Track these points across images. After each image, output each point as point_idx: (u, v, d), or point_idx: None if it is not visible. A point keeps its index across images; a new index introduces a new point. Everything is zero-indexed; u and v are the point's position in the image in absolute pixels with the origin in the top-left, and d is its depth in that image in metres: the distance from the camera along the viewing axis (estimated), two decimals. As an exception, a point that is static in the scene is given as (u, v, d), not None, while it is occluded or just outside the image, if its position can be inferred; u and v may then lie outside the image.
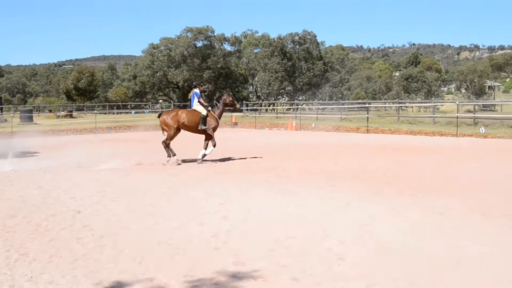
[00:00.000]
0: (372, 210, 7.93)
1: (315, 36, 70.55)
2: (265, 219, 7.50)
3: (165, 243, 6.39)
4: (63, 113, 54.84)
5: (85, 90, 76.56)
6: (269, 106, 64.13)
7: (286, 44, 69.81)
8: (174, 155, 14.74)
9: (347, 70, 75.51)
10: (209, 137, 15.18)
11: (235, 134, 29.07)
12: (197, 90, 15.68)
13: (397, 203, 8.43)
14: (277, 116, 44.65)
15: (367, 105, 34.40)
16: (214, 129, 15.39)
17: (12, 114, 42.87)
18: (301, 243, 6.24)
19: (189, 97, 16.06)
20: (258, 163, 14.21)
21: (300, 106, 46.42)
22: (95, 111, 49.60)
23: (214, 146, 15.02)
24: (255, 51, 74.66)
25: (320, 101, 59.34)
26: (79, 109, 65.94)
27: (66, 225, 7.41)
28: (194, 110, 15.38)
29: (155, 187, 10.62)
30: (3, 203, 9.22)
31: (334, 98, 68.06)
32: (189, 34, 73.93)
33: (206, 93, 75.78)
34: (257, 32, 78.63)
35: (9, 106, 70.91)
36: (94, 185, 11.05)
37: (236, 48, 79.28)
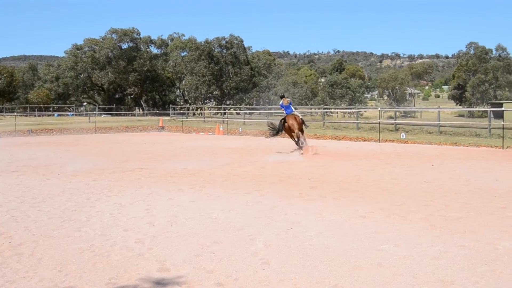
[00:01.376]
0: (297, 214, 8.05)
1: (242, 41, 70.99)
2: (191, 224, 7.46)
3: (87, 250, 6.23)
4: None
5: (4, 91, 73.45)
6: (196, 110, 63.93)
7: (213, 48, 69.80)
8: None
9: (274, 75, 76.33)
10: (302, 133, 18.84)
11: (162, 138, 28.77)
12: (286, 101, 19.04)
13: (322, 207, 8.60)
14: (204, 120, 44.59)
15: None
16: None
17: None
18: (227, 248, 6.25)
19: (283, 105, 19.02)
20: (184, 167, 14.11)
21: (227, 111, 46.50)
22: (15, 113, 47.67)
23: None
24: (182, 54, 74.19)
25: (248, 106, 59.70)
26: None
27: (-19, 233, 7.08)
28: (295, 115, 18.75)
29: (78, 192, 10.33)
30: None
31: (262, 103, 68.67)
32: (114, 35, 72.51)
33: (132, 96, 74.69)
34: (184, 35, 78.14)
35: None
36: (12, 190, 10.64)
37: (162, 51, 78.43)
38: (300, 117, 18.96)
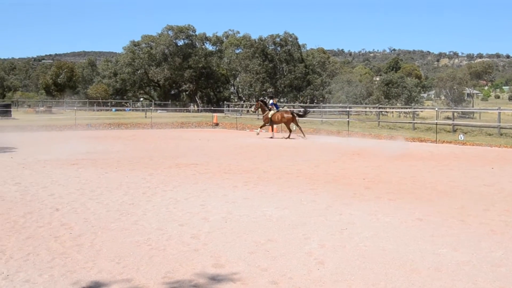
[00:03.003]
0: (352, 215, 7.96)
1: (297, 39, 70.93)
2: (245, 221, 7.49)
3: (144, 243, 6.35)
4: (42, 108, 54.27)
5: (65, 86, 75.78)
6: (250, 107, 64.22)
7: (267, 46, 69.93)
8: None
9: (328, 73, 75.89)
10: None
11: (216, 134, 29.03)
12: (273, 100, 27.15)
13: (377, 208, 8.48)
14: (258, 118, 44.65)
15: (348, 109, 34.62)
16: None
17: (-11, 109, 42.29)
18: (281, 246, 6.24)
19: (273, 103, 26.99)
20: (239, 164, 14.20)
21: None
22: (75, 108, 49.12)
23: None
24: (237, 51, 74.67)
25: (301, 104, 59.49)
26: (58, 105, 65.24)
27: (43, 223, 7.33)
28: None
29: (135, 186, 10.55)
30: (-21, 199, 9.09)
31: (315, 101, 68.36)
32: (170, 32, 73.72)
33: (187, 93, 75.69)
34: (239, 33, 78.77)
35: (-13, 100, 69.89)
36: (73, 182, 10.96)
37: (217, 48, 79.21)
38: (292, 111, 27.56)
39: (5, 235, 6.69)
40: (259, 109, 28.34)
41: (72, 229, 6.99)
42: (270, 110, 26.33)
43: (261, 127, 27.66)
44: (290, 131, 26.35)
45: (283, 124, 26.90)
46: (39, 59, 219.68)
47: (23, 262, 5.62)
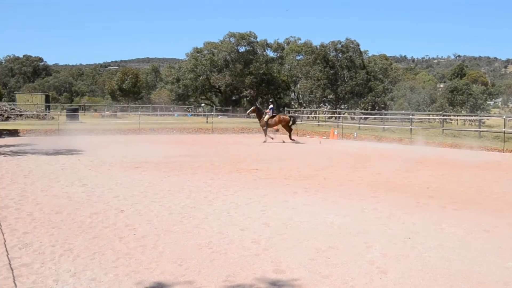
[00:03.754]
0: (415, 224, 7.79)
1: (358, 45, 70.02)
2: (306, 228, 7.45)
3: (205, 246, 6.42)
4: (107, 112, 55.87)
5: (129, 91, 77.79)
6: (310, 113, 63.90)
7: (328, 52, 69.42)
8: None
9: (390, 80, 74.60)
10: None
11: (276, 140, 29.03)
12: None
13: (441, 218, 8.26)
14: (318, 124, 44.43)
15: (410, 116, 33.95)
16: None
17: (59, 112, 43.91)
18: (342, 254, 6.17)
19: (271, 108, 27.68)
20: (299, 171, 14.15)
21: (342, 115, 46.10)
22: (139, 112, 50.30)
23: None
24: (298, 58, 74.57)
25: (363, 111, 58.78)
26: (123, 110, 67.01)
27: (109, 224, 7.53)
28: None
29: (197, 190, 10.68)
30: (49, 199, 9.44)
31: (377, 108, 67.40)
32: (231, 39, 74.37)
33: (247, 99, 76.17)
34: (300, 39, 78.63)
35: (56, 104, 72.48)
36: (136, 185, 11.22)
37: (278, 55, 79.33)
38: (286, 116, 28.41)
39: (72, 234, 6.91)
40: (255, 114, 28.76)
41: (136, 231, 7.15)
42: (265, 114, 27.25)
43: (266, 135, 27.45)
44: (291, 130, 27.70)
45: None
46: (105, 65, 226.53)
47: (89, 260, 5.79)
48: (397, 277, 5.39)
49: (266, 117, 26.96)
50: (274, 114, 27.41)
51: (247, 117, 35.76)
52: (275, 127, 29.26)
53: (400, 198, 10.11)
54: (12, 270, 5.41)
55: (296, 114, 42.48)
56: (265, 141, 26.32)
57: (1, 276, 5.20)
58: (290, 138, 26.79)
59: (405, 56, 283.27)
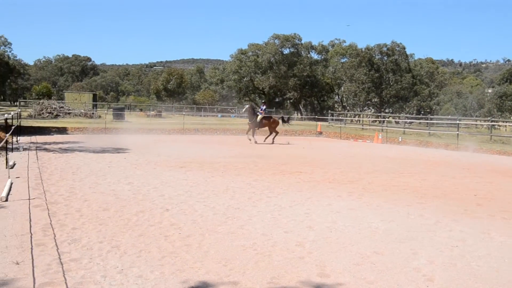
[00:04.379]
0: (462, 232, 7.63)
1: (404, 48, 69.10)
2: (350, 232, 7.39)
3: (249, 248, 6.44)
4: (152, 112, 56.69)
5: (174, 92, 78.80)
6: (354, 117, 63.42)
7: (374, 55, 68.76)
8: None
9: (437, 84, 73.41)
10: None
11: (320, 143, 28.93)
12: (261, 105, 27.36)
13: (490, 226, 8.06)
14: (362, 128, 44.03)
15: (457, 122, 33.26)
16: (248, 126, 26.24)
17: (105, 111, 44.79)
18: (388, 260, 6.10)
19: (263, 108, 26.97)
20: (343, 174, 14.05)
21: (386, 119, 45.55)
22: (183, 112, 50.85)
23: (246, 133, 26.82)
24: (342, 60, 74.15)
25: (408, 115, 57.93)
26: (168, 110, 67.89)
27: (154, 222, 7.64)
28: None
29: (241, 191, 10.73)
30: (97, 196, 9.64)
31: (422, 112, 66.35)
32: (276, 41, 74.49)
33: (291, 101, 76.11)
34: (345, 42, 78.21)
35: (103, 103, 74.01)
36: (181, 184, 11.34)
37: (322, 57, 79.04)
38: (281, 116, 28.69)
39: (119, 231, 7.04)
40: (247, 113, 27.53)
41: (181, 230, 7.23)
42: (258, 114, 26.24)
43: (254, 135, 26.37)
44: (276, 133, 27.11)
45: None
46: (151, 66, 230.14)
47: (136, 258, 5.88)
48: (444, 285, 5.30)
49: (259, 118, 26.07)
50: (266, 115, 27.08)
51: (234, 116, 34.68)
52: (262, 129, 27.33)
53: (447, 205, 9.91)
54: (62, 264, 5.54)
55: (290, 116, 42.67)
56: (250, 140, 25.81)
57: (52, 270, 5.34)
58: (272, 140, 26.22)
59: (452, 60, 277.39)
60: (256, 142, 25.46)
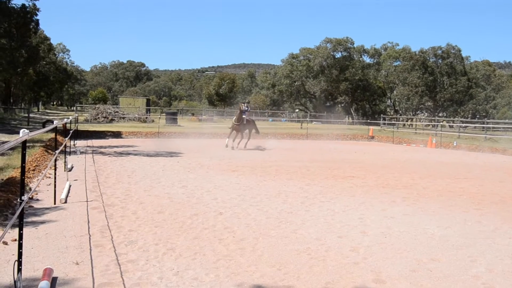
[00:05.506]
0: (523, 239, 7.39)
1: (460, 51, 67.58)
2: (406, 238, 7.27)
3: (303, 252, 6.42)
4: (204, 117, 57.31)
5: (226, 96, 79.38)
6: (407, 121, 62.38)
7: (428, 58, 67.53)
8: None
9: (494, 87, 71.43)
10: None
11: (372, 147, 28.60)
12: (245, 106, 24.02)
13: (552, 234, 7.78)
14: (416, 132, 43.27)
15: (515, 126, 32.25)
16: (232, 128, 23.85)
17: (158, 116, 45.56)
18: (445, 267, 5.96)
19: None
20: (397, 179, 13.84)
21: (440, 123, 44.58)
22: (235, 117, 51.16)
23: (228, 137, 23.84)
24: (395, 64, 73.08)
25: (463, 119, 56.54)
26: (219, 114, 68.50)
27: (208, 225, 7.71)
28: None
29: (293, 195, 10.71)
30: (152, 199, 9.82)
31: (478, 116, 64.67)
32: (328, 45, 74.18)
33: (342, 105, 75.52)
34: (398, 45, 77.05)
35: (156, 108, 75.40)
36: (234, 188, 11.42)
37: (375, 61, 78.18)
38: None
39: (174, 234, 7.14)
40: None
41: (235, 233, 7.27)
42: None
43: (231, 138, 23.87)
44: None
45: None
46: (203, 71, 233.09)
47: (191, 260, 5.95)
48: (505, 294, 5.14)
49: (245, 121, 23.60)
50: (248, 119, 24.22)
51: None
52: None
53: (506, 211, 9.62)
54: (119, 265, 5.66)
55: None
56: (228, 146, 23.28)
57: (110, 271, 5.46)
58: (245, 145, 24.07)
59: (510, 62, 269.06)
60: (233, 148, 23.25)
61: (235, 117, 24.00)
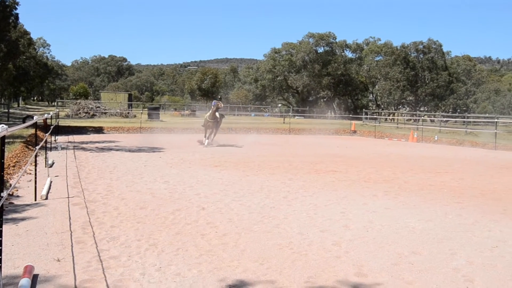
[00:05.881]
0: (502, 232, 7.48)
1: (441, 46, 68.14)
2: (387, 232, 7.32)
3: (286, 247, 6.43)
4: (186, 112, 57.17)
5: (208, 91, 79.26)
6: (389, 115, 62.79)
7: (409, 53, 67.95)
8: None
9: (474, 82, 72.08)
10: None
11: (354, 142, 28.74)
12: (215, 101, 22.64)
13: (531, 226, 7.89)
14: (397, 126, 43.57)
15: (495, 120, 32.58)
16: (206, 126, 22.36)
17: (140, 111, 45.33)
18: (426, 260, 6.02)
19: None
20: (378, 173, 13.93)
21: (421, 118, 44.91)
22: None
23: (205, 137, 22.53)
24: (377, 59, 73.43)
25: (444, 113, 57.04)
26: (202, 109, 68.34)
27: (191, 220, 7.70)
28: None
29: (276, 190, 10.74)
30: (134, 194, 9.78)
31: (458, 110, 65.29)
32: (310, 39, 74.32)
33: (325, 100, 75.76)
34: (380, 40, 77.40)
35: (138, 103, 74.92)
36: (216, 183, 11.41)
37: (357, 55, 78.45)
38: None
39: (156, 229, 7.12)
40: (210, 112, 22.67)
41: (218, 228, 7.27)
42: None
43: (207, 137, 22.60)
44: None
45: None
46: (185, 66, 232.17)
47: (173, 256, 5.94)
48: (484, 286, 5.20)
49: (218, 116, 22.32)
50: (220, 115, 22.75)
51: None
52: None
53: (486, 204, 9.74)
54: (101, 262, 5.63)
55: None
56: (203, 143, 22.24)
57: (92, 267, 5.43)
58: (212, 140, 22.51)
59: (490, 57, 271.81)
60: (205, 146, 21.81)
61: (209, 113, 22.42)
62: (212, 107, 22.33)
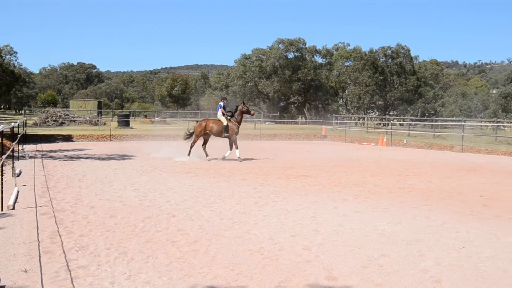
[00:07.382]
0: (469, 233, 7.61)
1: (409, 51, 68.94)
2: (357, 235, 7.39)
3: (256, 252, 6.44)
4: (157, 118, 56.80)
5: (179, 98, 78.90)
6: (359, 120, 63.34)
7: (378, 58, 68.64)
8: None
9: (441, 86, 73.24)
10: (232, 142, 18.88)
11: (325, 147, 28.92)
12: (221, 103, 19.38)
13: (496, 227, 8.05)
14: (367, 131, 43.97)
15: (462, 123, 33.15)
16: (235, 134, 18.92)
17: (110, 118, 44.85)
18: (395, 262, 6.09)
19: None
20: (349, 177, 14.05)
21: (391, 122, 45.42)
22: (188, 118, 50.97)
23: (237, 148, 18.82)
24: (346, 64, 74.05)
25: (412, 117, 57.81)
26: (172, 116, 68.02)
27: (161, 228, 7.65)
28: (219, 120, 18.99)
29: (247, 196, 10.74)
30: (103, 202, 9.68)
31: (427, 114, 66.18)
32: (280, 45, 74.53)
33: (295, 105, 76.11)
34: (349, 45, 78.15)
35: (108, 110, 74.11)
36: (187, 190, 11.37)
37: (327, 61, 78.99)
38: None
39: (126, 237, 7.06)
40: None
41: (188, 235, 7.25)
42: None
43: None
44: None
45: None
46: (155, 72, 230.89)
47: (143, 264, 5.90)
48: (451, 286, 5.28)
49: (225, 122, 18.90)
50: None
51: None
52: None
53: (453, 206, 9.90)
54: (70, 271, 5.56)
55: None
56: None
57: (60, 277, 5.36)
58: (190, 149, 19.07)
59: (456, 61, 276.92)
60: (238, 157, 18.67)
61: (233, 119, 19.05)
62: (236, 111, 19.19)
